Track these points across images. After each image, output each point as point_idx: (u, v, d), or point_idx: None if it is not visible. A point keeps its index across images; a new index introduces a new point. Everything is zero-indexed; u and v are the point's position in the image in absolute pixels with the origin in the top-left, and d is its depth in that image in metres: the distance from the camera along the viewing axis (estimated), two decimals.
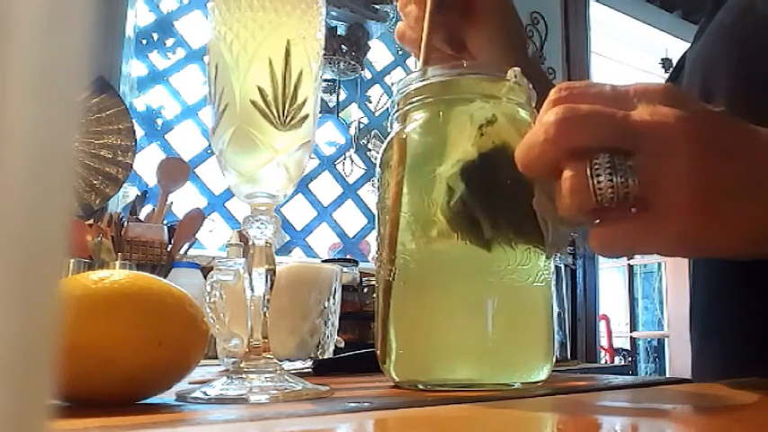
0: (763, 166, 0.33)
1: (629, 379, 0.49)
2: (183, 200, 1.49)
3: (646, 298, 3.74)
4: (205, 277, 0.52)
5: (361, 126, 2.12)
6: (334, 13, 1.93)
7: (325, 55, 0.40)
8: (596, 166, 0.30)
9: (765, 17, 0.52)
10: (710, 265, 0.58)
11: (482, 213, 0.38)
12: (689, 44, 0.66)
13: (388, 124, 0.46)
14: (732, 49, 0.55)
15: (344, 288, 0.84)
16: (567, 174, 0.31)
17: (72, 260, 0.92)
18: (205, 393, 0.34)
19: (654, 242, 0.33)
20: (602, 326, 2.71)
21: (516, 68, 0.42)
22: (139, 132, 1.59)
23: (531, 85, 0.44)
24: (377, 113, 2.16)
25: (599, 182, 0.30)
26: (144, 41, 1.76)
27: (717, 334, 0.58)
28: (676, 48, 2.81)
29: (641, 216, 0.31)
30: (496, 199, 0.39)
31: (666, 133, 0.31)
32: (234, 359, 0.57)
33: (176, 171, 1.27)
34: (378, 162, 0.45)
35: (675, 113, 0.31)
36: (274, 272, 0.38)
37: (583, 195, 0.31)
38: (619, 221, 0.32)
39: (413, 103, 0.43)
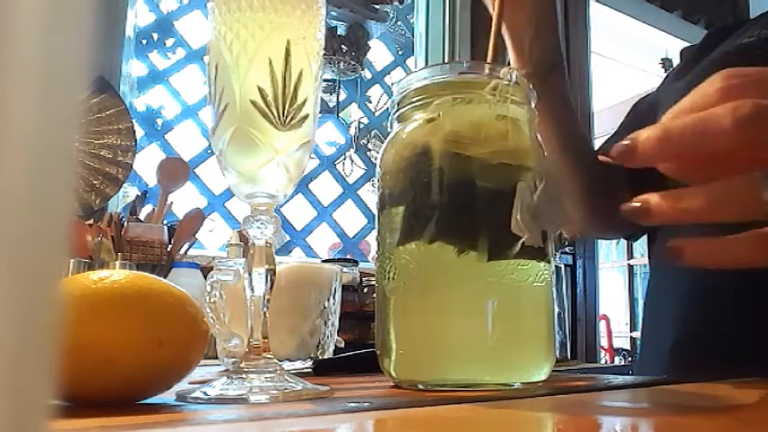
0: None
1: (629, 379, 0.49)
2: (183, 200, 1.49)
3: None
4: (205, 277, 0.52)
5: (361, 126, 2.12)
6: (334, 13, 1.93)
7: (325, 55, 0.40)
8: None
9: (752, 50, 0.52)
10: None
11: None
12: (688, 44, 0.66)
13: (388, 124, 0.46)
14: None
15: (344, 288, 0.84)
16: (736, 182, 0.29)
17: (72, 260, 0.92)
18: (205, 393, 0.34)
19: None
20: (602, 326, 2.71)
21: (512, 68, 0.42)
22: (139, 132, 1.59)
23: (531, 86, 0.44)
24: (377, 113, 2.15)
25: None
26: (144, 41, 1.75)
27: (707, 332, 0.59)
28: (676, 48, 2.81)
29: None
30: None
31: None
32: (234, 359, 0.57)
33: (176, 171, 1.27)
34: (378, 162, 0.45)
35: None
36: (274, 272, 0.38)
37: (750, 207, 0.29)
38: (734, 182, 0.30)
39: (413, 103, 0.43)
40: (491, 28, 0.52)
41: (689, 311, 0.58)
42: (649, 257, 0.66)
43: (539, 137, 0.43)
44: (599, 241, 2.57)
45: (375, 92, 2.19)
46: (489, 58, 0.50)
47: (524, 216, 0.33)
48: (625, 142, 0.32)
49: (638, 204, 0.32)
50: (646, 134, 0.31)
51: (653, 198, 0.32)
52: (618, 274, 3.50)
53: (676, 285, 0.60)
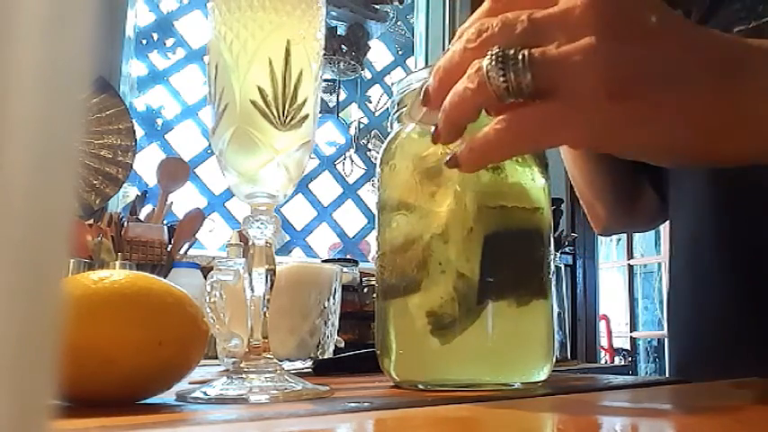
0: (697, 46, 0.31)
1: (629, 379, 0.49)
2: (183, 200, 1.49)
3: (646, 298, 3.74)
4: (205, 277, 0.52)
5: (361, 126, 2.12)
6: (334, 13, 1.93)
7: (325, 55, 0.40)
8: (490, 62, 0.30)
9: None
10: (694, 252, 0.58)
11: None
12: None
13: (388, 124, 0.46)
14: None
15: (344, 288, 0.84)
16: (469, 71, 0.31)
17: (72, 260, 0.92)
18: (205, 393, 0.34)
19: (567, 132, 0.31)
20: (602, 326, 2.71)
21: None
22: (139, 132, 1.59)
23: None
24: (377, 113, 2.16)
25: (491, 76, 0.30)
26: (144, 41, 1.76)
27: (696, 323, 0.58)
28: None
29: (547, 105, 0.30)
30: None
31: (570, 18, 0.30)
32: (234, 359, 0.57)
33: (176, 171, 1.27)
34: (378, 162, 0.45)
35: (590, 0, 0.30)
36: (274, 272, 0.38)
37: (482, 90, 0.30)
38: (520, 111, 0.31)
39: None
40: None
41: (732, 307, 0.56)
42: (670, 253, 0.65)
43: None
44: (599, 241, 2.57)
45: (375, 92, 2.19)
46: None
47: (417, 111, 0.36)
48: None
49: (449, 160, 0.34)
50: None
51: (457, 149, 0.33)
52: (618, 274, 3.50)
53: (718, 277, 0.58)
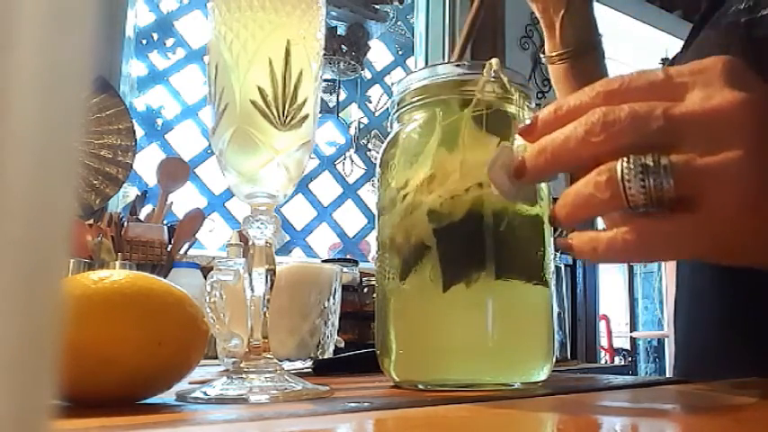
0: None
1: (629, 379, 0.49)
2: (183, 200, 1.49)
3: (646, 298, 3.74)
4: (205, 277, 0.52)
5: (361, 126, 2.12)
6: (334, 13, 1.93)
7: (325, 55, 0.40)
8: (626, 170, 0.28)
9: (743, 39, 0.52)
10: (694, 263, 0.58)
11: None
12: None
13: (388, 124, 0.46)
14: None
15: (344, 288, 0.84)
16: (598, 177, 0.29)
17: (72, 260, 0.92)
18: (205, 393, 0.34)
19: (694, 246, 0.30)
20: (602, 326, 2.71)
21: (495, 60, 0.41)
22: (139, 132, 1.59)
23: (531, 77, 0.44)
24: (377, 113, 2.16)
25: (629, 186, 0.28)
26: (144, 41, 1.75)
27: (699, 331, 0.59)
28: (676, 48, 2.81)
29: (680, 217, 0.29)
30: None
31: (714, 123, 0.28)
32: (234, 359, 0.57)
33: (176, 171, 1.27)
34: (378, 162, 0.45)
35: (730, 99, 0.28)
36: (274, 272, 0.38)
37: (614, 199, 0.29)
38: (653, 223, 0.29)
39: (413, 102, 0.43)
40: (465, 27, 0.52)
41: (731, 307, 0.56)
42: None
43: None
44: None
45: (375, 92, 2.19)
46: (455, 57, 0.50)
47: (497, 172, 0.34)
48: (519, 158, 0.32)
49: (563, 241, 0.33)
50: (530, 149, 0.32)
51: (577, 238, 0.32)
52: (618, 274, 3.50)
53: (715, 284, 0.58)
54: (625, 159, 0.28)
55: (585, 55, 0.67)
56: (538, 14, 0.68)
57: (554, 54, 0.70)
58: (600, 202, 0.29)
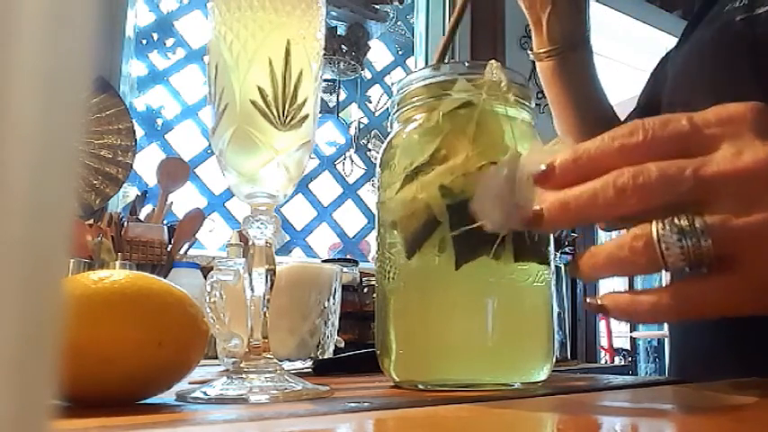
0: None
1: (629, 379, 0.49)
2: (183, 200, 1.49)
3: None
4: (205, 277, 0.52)
5: (361, 126, 2.12)
6: (334, 13, 1.93)
7: (325, 55, 0.40)
8: (662, 234, 0.28)
9: (739, 37, 0.51)
10: None
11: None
12: None
13: (388, 124, 0.46)
14: (709, 70, 0.54)
15: (344, 288, 0.84)
16: (634, 242, 0.29)
17: (72, 260, 0.92)
18: (205, 393, 0.34)
19: (737, 304, 0.30)
20: (602, 326, 2.71)
21: (494, 62, 0.41)
22: (139, 132, 1.59)
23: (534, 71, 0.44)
24: (377, 113, 2.16)
25: (667, 248, 0.28)
26: (144, 41, 1.75)
27: (693, 333, 0.59)
28: None
29: (721, 278, 0.29)
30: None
31: (746, 183, 0.28)
32: (234, 359, 0.57)
33: (176, 171, 1.27)
34: (378, 162, 0.45)
35: (762, 155, 0.28)
36: (274, 272, 0.38)
37: (651, 263, 0.28)
38: (694, 285, 0.29)
39: (413, 102, 0.43)
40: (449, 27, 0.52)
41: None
42: None
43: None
44: (599, 241, 2.56)
45: (375, 92, 2.19)
46: (435, 59, 0.50)
47: (490, 202, 0.33)
48: (536, 208, 0.32)
49: (595, 304, 0.32)
50: (550, 199, 0.31)
51: (611, 301, 0.32)
52: None
53: None
54: (660, 223, 0.28)
55: (573, 52, 0.67)
56: (525, 11, 0.68)
57: (541, 51, 0.69)
58: (635, 264, 0.29)
